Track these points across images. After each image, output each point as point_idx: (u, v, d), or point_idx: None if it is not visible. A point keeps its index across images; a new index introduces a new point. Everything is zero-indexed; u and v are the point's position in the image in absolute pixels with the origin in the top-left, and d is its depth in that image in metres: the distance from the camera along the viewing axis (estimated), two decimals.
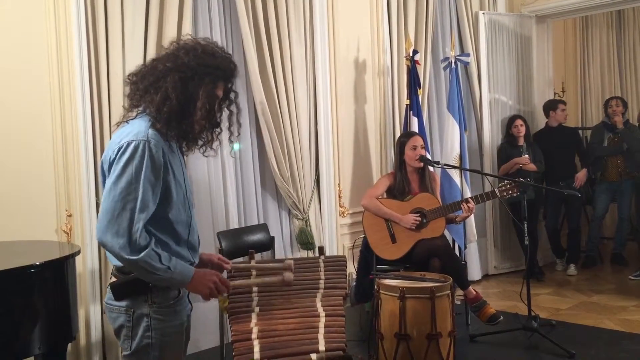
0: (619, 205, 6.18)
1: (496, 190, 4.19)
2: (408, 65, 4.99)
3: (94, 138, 3.65)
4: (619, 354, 3.90)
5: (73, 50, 3.53)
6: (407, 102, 5.00)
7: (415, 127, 4.87)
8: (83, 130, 3.59)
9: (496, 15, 6.14)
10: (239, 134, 2.14)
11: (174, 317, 2.02)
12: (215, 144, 2.10)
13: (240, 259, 3.82)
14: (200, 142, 2.07)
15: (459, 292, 4.26)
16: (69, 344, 2.99)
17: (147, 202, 1.89)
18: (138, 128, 1.94)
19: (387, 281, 3.57)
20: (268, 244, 4.08)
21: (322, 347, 2.15)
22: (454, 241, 4.91)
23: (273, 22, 4.38)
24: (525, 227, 4.15)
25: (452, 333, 3.46)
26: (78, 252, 2.92)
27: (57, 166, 3.52)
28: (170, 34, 3.83)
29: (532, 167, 5.66)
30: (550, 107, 6.14)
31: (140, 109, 2.01)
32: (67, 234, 3.55)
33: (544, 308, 4.88)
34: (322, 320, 2.25)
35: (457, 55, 5.25)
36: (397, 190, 4.33)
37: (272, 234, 4.20)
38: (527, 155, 5.71)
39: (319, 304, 2.33)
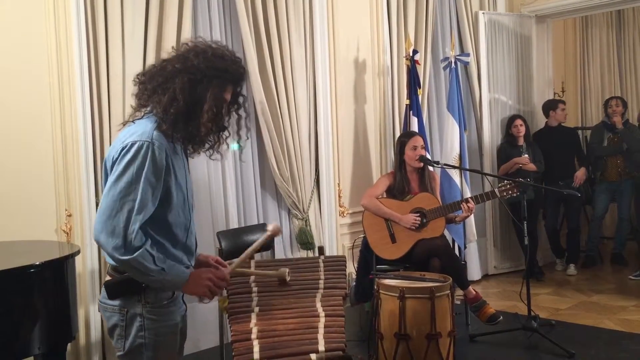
0: (618, 205, 6.18)
1: (496, 190, 4.19)
2: (408, 65, 4.99)
3: (94, 138, 3.65)
4: (619, 353, 3.91)
5: (73, 50, 3.53)
6: (407, 102, 5.00)
7: (415, 127, 4.87)
8: (83, 130, 3.59)
9: (496, 15, 6.14)
10: (248, 137, 2.13)
11: (168, 318, 2.01)
12: (223, 148, 2.10)
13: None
14: (206, 145, 2.06)
15: (459, 292, 4.26)
16: (69, 344, 2.99)
17: (145, 204, 1.88)
18: (143, 128, 1.93)
19: (387, 281, 3.57)
20: (268, 244, 4.07)
21: (321, 347, 2.15)
22: (453, 241, 4.91)
23: (273, 22, 4.38)
24: (525, 227, 4.15)
25: (452, 333, 3.45)
26: (78, 252, 2.92)
27: (57, 166, 3.52)
28: (170, 34, 3.83)
29: (531, 167, 5.66)
30: (550, 106, 6.14)
31: (148, 109, 2.01)
32: (67, 233, 3.55)
33: (543, 308, 4.88)
34: (322, 320, 2.25)
35: (457, 55, 5.25)
36: (397, 190, 4.33)
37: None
38: (526, 155, 5.71)
39: (318, 304, 2.33)
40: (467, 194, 5.00)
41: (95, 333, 3.63)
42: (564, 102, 6.26)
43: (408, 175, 4.35)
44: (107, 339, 3.67)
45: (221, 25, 4.33)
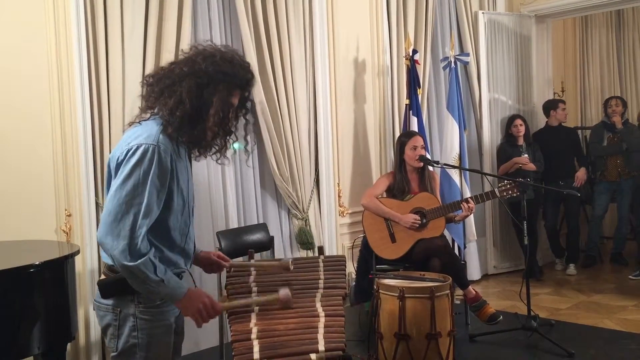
0: (618, 204, 6.18)
1: (496, 190, 4.19)
2: (408, 65, 5.00)
3: (94, 138, 3.65)
4: (619, 353, 3.91)
5: (72, 50, 3.53)
6: (407, 101, 5.00)
7: (414, 127, 4.88)
8: (82, 129, 3.59)
9: (496, 15, 6.14)
10: (255, 143, 2.14)
11: (161, 318, 2.01)
12: (230, 152, 2.10)
13: (240, 259, 3.82)
14: (212, 149, 2.05)
15: (459, 291, 4.26)
16: (69, 344, 2.99)
17: (152, 207, 1.88)
18: (149, 131, 1.93)
19: (387, 281, 3.57)
20: (267, 244, 4.09)
21: (321, 347, 2.15)
22: (453, 241, 4.91)
23: (273, 22, 4.38)
24: (525, 227, 4.15)
25: (452, 333, 3.46)
26: (77, 252, 2.92)
27: (57, 166, 3.53)
28: (169, 35, 3.83)
29: (531, 166, 5.66)
30: (550, 106, 6.15)
31: (154, 111, 2.00)
32: (67, 233, 3.55)
33: (543, 308, 4.89)
34: (322, 320, 2.25)
35: (457, 55, 5.26)
36: (397, 189, 4.33)
37: (271, 234, 4.20)
38: (526, 155, 5.71)
39: (318, 304, 2.32)
40: (467, 193, 5.00)
41: (95, 333, 3.63)
42: (564, 102, 6.27)
43: (408, 175, 4.35)
44: None
45: (221, 26, 4.33)
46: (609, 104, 6.09)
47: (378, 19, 5.18)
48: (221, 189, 4.30)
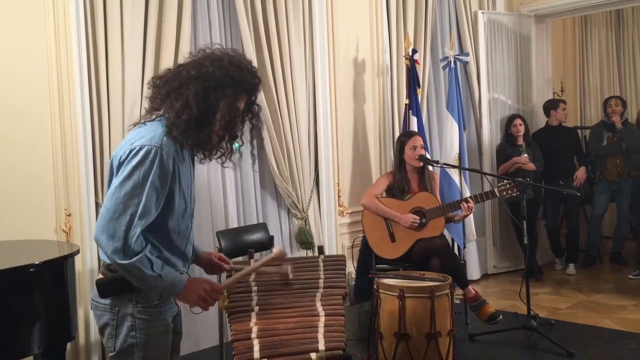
0: (618, 204, 6.18)
1: (496, 190, 4.19)
2: (407, 65, 5.00)
3: (93, 137, 3.65)
4: (618, 352, 3.91)
5: (72, 50, 3.53)
6: (407, 101, 5.01)
7: (414, 127, 4.88)
8: (82, 129, 3.59)
9: (495, 15, 6.14)
10: (262, 147, 2.13)
11: (159, 318, 2.01)
12: (235, 156, 2.10)
13: (240, 259, 3.82)
14: (218, 153, 2.06)
15: (459, 291, 4.26)
16: (68, 344, 2.99)
17: (149, 209, 1.88)
18: (153, 133, 1.93)
19: (387, 280, 3.57)
20: (267, 244, 4.09)
21: (321, 346, 2.15)
22: (453, 240, 4.91)
23: (272, 22, 4.38)
24: (525, 227, 4.15)
25: (452, 332, 3.46)
26: (77, 252, 2.92)
27: (57, 166, 3.53)
28: (169, 35, 3.83)
29: (531, 166, 5.66)
30: (551, 106, 6.16)
31: (160, 112, 2.00)
32: (67, 233, 3.55)
33: (543, 307, 4.89)
34: (322, 319, 2.25)
35: (456, 55, 5.26)
36: (397, 189, 4.33)
37: (271, 234, 4.20)
38: (526, 155, 5.72)
39: (318, 303, 2.32)
40: (467, 193, 5.01)
41: (95, 333, 3.63)
42: (564, 102, 6.27)
43: (408, 175, 4.36)
44: None
45: (221, 26, 4.32)
46: (609, 103, 6.09)
47: (378, 19, 5.18)
48: (221, 188, 4.30)
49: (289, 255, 4.58)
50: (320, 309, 2.31)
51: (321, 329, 2.22)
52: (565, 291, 5.45)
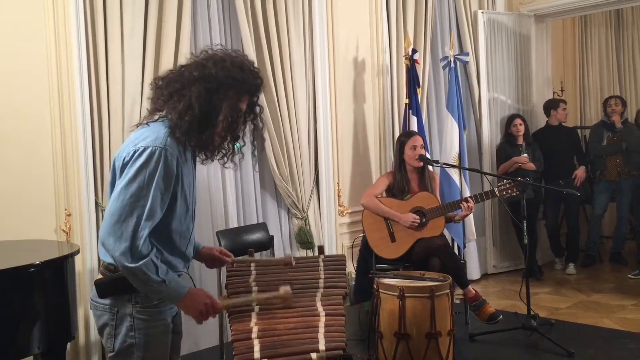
0: (618, 204, 6.18)
1: (496, 189, 4.19)
2: (407, 65, 5.00)
3: (93, 138, 3.65)
4: (618, 352, 3.91)
5: (72, 50, 3.53)
6: (407, 101, 5.01)
7: (414, 127, 4.88)
8: (82, 129, 3.59)
9: (495, 15, 6.14)
10: (263, 148, 2.13)
11: (158, 318, 2.01)
12: (237, 157, 2.09)
13: (240, 258, 3.81)
14: (220, 154, 2.06)
15: (459, 291, 4.26)
16: (68, 344, 2.99)
17: (155, 210, 1.88)
18: (156, 134, 1.92)
19: (387, 280, 3.57)
20: (267, 243, 4.09)
21: (322, 346, 2.15)
22: (453, 240, 4.91)
23: (272, 23, 4.38)
24: (525, 226, 4.15)
25: (452, 332, 3.46)
26: (77, 252, 2.92)
27: (57, 165, 3.52)
28: (169, 35, 3.83)
29: (531, 166, 5.66)
30: (551, 105, 6.16)
31: (162, 113, 2.00)
32: (67, 233, 3.55)
33: (543, 307, 4.89)
34: (322, 319, 2.25)
35: (456, 55, 5.26)
36: (397, 189, 4.33)
37: (271, 233, 4.20)
38: (526, 155, 5.72)
39: (318, 303, 2.32)
40: (467, 193, 5.01)
41: (95, 333, 3.63)
42: (565, 102, 6.27)
43: (408, 175, 4.36)
44: None
45: (221, 26, 4.32)
46: (609, 103, 6.09)
47: (377, 19, 5.18)
48: (221, 188, 4.29)
49: (289, 254, 4.57)
50: (320, 309, 2.31)
51: (321, 329, 2.22)
52: (565, 291, 5.45)
